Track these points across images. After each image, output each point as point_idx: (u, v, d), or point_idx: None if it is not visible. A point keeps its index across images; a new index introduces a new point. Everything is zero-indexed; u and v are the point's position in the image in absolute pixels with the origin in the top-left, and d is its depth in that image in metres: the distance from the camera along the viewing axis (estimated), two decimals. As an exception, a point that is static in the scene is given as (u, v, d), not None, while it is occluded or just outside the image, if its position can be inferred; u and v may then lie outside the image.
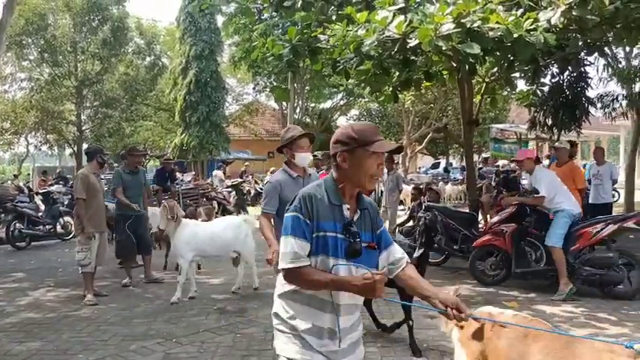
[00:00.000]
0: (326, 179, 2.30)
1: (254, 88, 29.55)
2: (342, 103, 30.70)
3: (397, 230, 10.12)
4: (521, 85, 10.14)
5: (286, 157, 4.10)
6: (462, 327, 2.81)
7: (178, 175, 14.10)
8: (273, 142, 31.40)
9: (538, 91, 8.84)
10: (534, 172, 6.47)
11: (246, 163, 23.40)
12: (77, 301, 6.56)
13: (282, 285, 2.29)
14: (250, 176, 22.70)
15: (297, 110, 26.81)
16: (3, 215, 12.19)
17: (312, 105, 30.70)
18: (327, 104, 31.26)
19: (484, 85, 9.16)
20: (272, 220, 4.08)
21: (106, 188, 7.69)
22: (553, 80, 8.62)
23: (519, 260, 6.62)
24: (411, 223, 9.74)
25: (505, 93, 14.49)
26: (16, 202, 11.87)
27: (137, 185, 7.72)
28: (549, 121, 8.70)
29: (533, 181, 6.53)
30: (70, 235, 11.77)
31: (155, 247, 8.66)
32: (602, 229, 6.18)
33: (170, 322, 5.64)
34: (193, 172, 23.37)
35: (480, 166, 17.61)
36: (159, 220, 6.77)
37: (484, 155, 21.49)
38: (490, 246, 6.90)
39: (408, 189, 15.73)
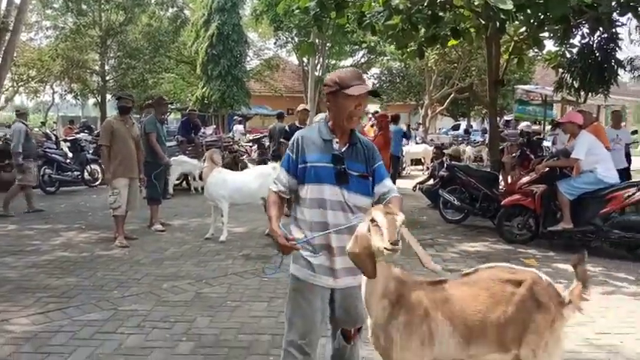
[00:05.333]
0: (322, 120, 2.72)
1: (275, 43, 29.33)
2: (362, 61, 30.33)
3: (417, 188, 10.27)
4: (550, 46, 9.99)
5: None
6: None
7: (203, 129, 14.27)
8: (293, 98, 31.34)
9: (567, 52, 8.69)
10: (578, 135, 6.48)
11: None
12: (108, 243, 6.84)
13: (292, 212, 2.69)
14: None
15: (318, 67, 26.60)
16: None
17: (333, 62, 30.39)
18: (348, 62, 30.92)
19: (512, 44, 9.03)
20: None
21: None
22: (583, 41, 8.43)
23: (547, 220, 6.72)
24: (431, 182, 9.86)
25: (532, 54, 14.23)
26: (45, 149, 12.17)
27: (164, 134, 8.06)
28: (576, 84, 8.58)
29: (575, 144, 6.47)
30: (97, 182, 12.13)
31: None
32: (634, 194, 6.21)
33: (199, 266, 5.90)
34: (214, 126, 23.57)
35: (502, 128, 17.46)
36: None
37: (506, 118, 21.23)
38: (518, 206, 6.96)
39: (429, 149, 15.83)
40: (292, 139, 2.71)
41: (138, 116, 19.33)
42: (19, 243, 6.86)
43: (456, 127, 29.15)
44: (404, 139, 13.52)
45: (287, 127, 8.89)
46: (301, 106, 9.10)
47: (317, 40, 22.83)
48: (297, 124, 8.71)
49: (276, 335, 3.75)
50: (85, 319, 4.25)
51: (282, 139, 8.62)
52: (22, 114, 9.63)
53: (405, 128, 12.91)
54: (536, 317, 2.40)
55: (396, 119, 12.37)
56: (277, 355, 3.47)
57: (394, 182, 11.55)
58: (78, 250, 6.56)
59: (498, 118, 22.38)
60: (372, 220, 2.17)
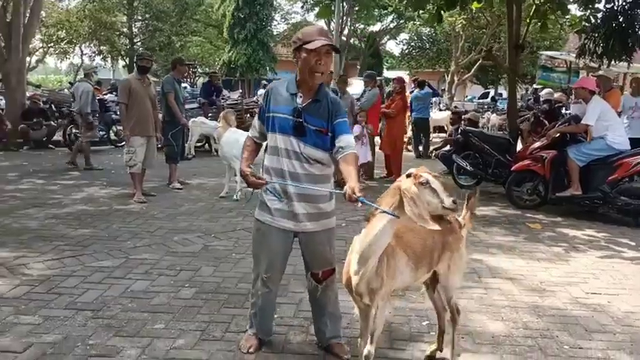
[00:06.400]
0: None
1: (302, 7, 29.03)
2: (392, 25, 29.82)
3: (433, 154, 10.27)
4: (575, 10, 9.71)
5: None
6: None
7: (225, 92, 14.37)
8: (321, 63, 30.95)
9: (591, 17, 8.44)
10: (590, 101, 6.43)
11: None
12: (127, 198, 7.12)
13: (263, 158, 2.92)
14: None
15: (346, 32, 26.28)
16: (60, 120, 12.92)
17: (361, 27, 29.97)
18: (377, 27, 30.47)
19: (534, 8, 8.81)
20: None
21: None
22: (607, 5, 8.17)
23: (556, 186, 6.70)
24: (447, 148, 9.84)
25: (562, 21, 13.78)
26: (72, 108, 12.50)
27: (182, 95, 8.21)
28: (599, 50, 8.35)
29: (587, 110, 6.44)
30: (123, 142, 12.45)
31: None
32: None
33: (210, 221, 6.12)
34: (240, 91, 23.70)
35: (530, 97, 17.10)
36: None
37: (535, 86, 20.75)
38: (528, 171, 6.95)
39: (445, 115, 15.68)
40: (266, 89, 2.96)
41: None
42: (43, 196, 7.20)
43: (485, 95, 28.64)
44: (433, 99, 13.71)
45: None
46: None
47: (343, 4, 22.51)
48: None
49: (274, 285, 3.92)
50: (97, 266, 4.51)
51: None
52: (87, 74, 9.93)
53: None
54: (449, 238, 2.88)
55: (421, 84, 12.39)
56: (271, 303, 3.70)
57: (426, 146, 11.43)
58: (97, 204, 6.86)
59: (528, 87, 21.98)
60: (423, 183, 2.34)
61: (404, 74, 28.95)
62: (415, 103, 12.19)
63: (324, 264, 2.94)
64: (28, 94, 13.59)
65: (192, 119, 10.14)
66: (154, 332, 3.33)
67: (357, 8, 25.91)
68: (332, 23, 26.64)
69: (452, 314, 3.04)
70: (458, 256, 2.95)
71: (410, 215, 2.32)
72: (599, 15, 8.37)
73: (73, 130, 11.72)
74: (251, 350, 3.07)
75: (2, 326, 3.34)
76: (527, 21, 9.09)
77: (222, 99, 13.29)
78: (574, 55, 10.90)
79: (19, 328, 3.31)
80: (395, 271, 2.61)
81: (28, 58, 15.12)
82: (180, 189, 7.85)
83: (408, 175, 2.41)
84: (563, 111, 10.31)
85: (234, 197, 7.18)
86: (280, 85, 2.86)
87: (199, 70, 29.94)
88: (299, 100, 2.75)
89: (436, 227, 2.35)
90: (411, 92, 12.88)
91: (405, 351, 3.18)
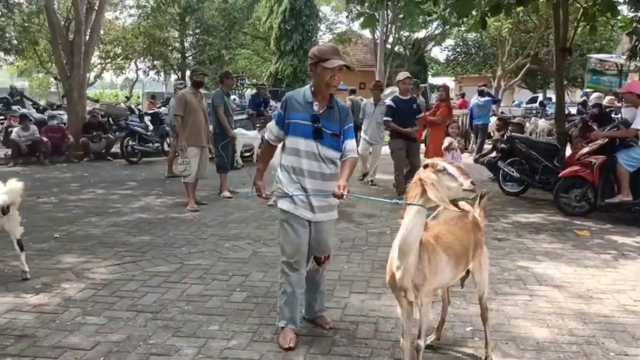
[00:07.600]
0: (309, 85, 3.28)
1: (347, 17, 29.28)
2: (436, 32, 29.66)
3: (479, 161, 10.18)
4: (626, 10, 9.48)
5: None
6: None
7: (272, 103, 14.69)
8: (365, 72, 31.19)
9: (643, 18, 8.27)
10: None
11: None
12: (181, 207, 7.45)
13: (281, 158, 3.35)
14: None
15: (390, 39, 26.33)
16: (117, 133, 13.55)
17: (406, 34, 29.94)
18: (421, 34, 30.37)
19: (581, 10, 8.67)
20: None
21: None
22: (660, 6, 7.99)
23: (606, 192, 6.58)
24: (493, 154, 9.76)
25: (612, 23, 13.43)
26: (128, 122, 13.13)
27: (231, 107, 8.52)
28: (651, 51, 8.16)
29: (637, 114, 6.34)
30: (177, 154, 12.93)
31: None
32: None
33: (259, 228, 6.35)
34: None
35: (583, 99, 16.67)
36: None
37: (587, 90, 20.19)
38: (576, 177, 6.83)
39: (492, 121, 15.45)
40: (283, 98, 3.35)
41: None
42: (104, 205, 7.63)
43: (533, 100, 28.02)
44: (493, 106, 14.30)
45: (391, 102, 7.93)
46: (402, 75, 8.13)
47: (387, 12, 22.61)
48: (399, 95, 8.00)
49: (321, 290, 4.08)
50: (155, 271, 4.79)
51: (386, 118, 7.90)
52: (175, 89, 10.84)
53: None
54: (478, 235, 3.07)
55: (481, 93, 12.55)
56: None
57: (479, 149, 11.34)
58: (154, 212, 7.22)
59: (579, 91, 21.39)
60: (441, 170, 2.56)
61: (449, 80, 28.80)
62: (476, 110, 12.68)
63: (325, 250, 3.44)
64: (87, 108, 14.33)
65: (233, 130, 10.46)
66: (209, 333, 3.54)
67: (401, 16, 25.94)
68: (376, 32, 26.91)
69: (483, 311, 3.18)
70: (485, 252, 3.16)
71: (434, 198, 2.52)
72: (651, 16, 8.19)
73: (130, 142, 12.32)
74: (291, 344, 3.26)
75: (72, 326, 3.63)
76: (576, 24, 8.96)
77: (270, 109, 13.59)
78: (625, 58, 10.65)
79: (86, 328, 3.60)
80: (436, 268, 2.75)
81: (87, 74, 15.92)
82: (231, 198, 8.14)
83: (425, 166, 2.62)
84: (614, 116, 10.07)
85: (268, 203, 7.27)
86: (296, 94, 3.29)
87: (247, 81, 30.73)
88: (315, 108, 3.19)
89: (455, 209, 2.63)
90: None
91: (448, 355, 3.26)
